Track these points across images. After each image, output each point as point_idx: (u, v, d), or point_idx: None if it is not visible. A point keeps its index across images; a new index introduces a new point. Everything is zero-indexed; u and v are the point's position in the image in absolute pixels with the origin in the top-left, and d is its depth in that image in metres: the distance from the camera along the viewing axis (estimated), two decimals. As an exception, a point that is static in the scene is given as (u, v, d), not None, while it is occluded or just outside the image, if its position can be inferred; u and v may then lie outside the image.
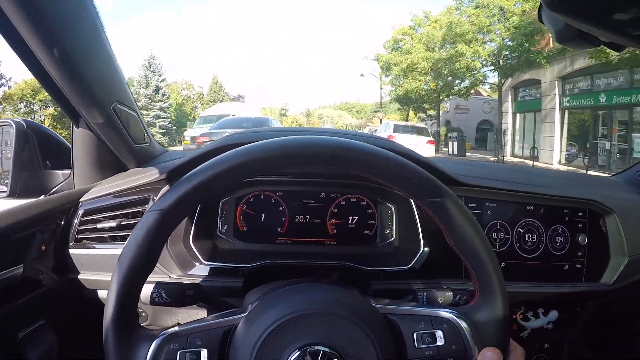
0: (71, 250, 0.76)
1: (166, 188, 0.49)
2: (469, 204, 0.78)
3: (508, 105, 15.76)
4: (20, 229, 0.67)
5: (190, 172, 0.44)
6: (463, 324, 0.45)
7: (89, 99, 0.72)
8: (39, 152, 0.95)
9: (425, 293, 0.55)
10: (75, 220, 0.76)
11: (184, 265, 0.72)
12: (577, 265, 0.83)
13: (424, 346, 0.44)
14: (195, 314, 0.75)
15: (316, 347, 0.41)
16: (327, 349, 0.41)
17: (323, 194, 0.82)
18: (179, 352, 0.42)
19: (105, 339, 0.42)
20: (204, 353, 0.42)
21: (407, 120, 24.14)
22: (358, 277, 0.72)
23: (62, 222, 0.76)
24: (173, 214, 0.43)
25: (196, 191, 0.43)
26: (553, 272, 0.82)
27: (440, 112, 21.10)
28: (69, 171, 0.93)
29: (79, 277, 0.77)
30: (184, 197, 0.43)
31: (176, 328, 0.44)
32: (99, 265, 0.75)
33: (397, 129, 12.37)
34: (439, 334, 0.45)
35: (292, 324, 0.43)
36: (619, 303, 0.95)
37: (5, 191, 0.86)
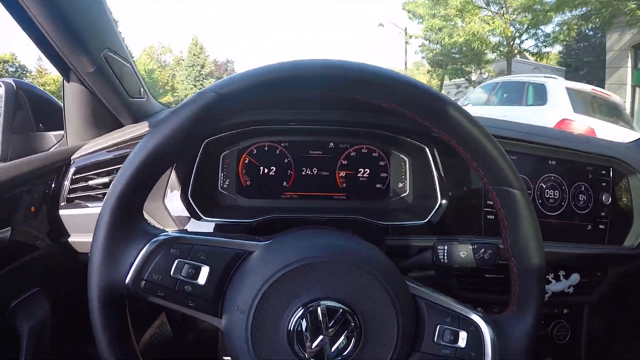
0: (62, 212, 0.72)
1: None
2: None
3: (625, 73, 9.56)
4: (6, 189, 0.63)
5: (252, 70, 0.38)
6: (490, 333, 0.42)
7: (77, 45, 0.67)
8: (31, 114, 0.92)
9: (445, 246, 0.51)
10: (67, 179, 0.73)
11: (182, 223, 0.68)
12: (601, 226, 0.80)
13: (443, 343, 0.41)
14: None
15: (334, 304, 0.37)
16: (348, 312, 0.37)
17: (332, 144, 0.79)
18: (176, 261, 0.38)
19: (98, 224, 0.38)
20: (205, 270, 0.39)
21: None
22: (370, 232, 0.68)
23: (53, 182, 0.73)
24: (226, 103, 0.38)
25: (255, 89, 0.38)
26: (576, 232, 0.78)
27: (485, 75, 14.98)
28: (62, 132, 0.89)
29: (71, 239, 0.73)
30: (243, 89, 0.37)
31: (183, 232, 0.40)
32: (91, 226, 0.71)
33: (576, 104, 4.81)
34: (463, 335, 0.42)
35: (309, 270, 0.38)
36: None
37: (-5, 155, 0.83)
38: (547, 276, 0.79)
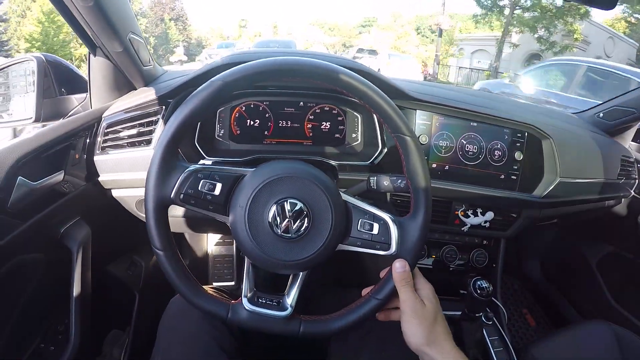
0: (96, 157, 0.90)
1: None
2: (421, 114, 0.96)
3: None
4: (59, 142, 0.82)
5: (249, 63, 0.57)
6: (393, 226, 0.61)
7: (110, 31, 0.85)
8: (55, 81, 1.07)
9: (375, 177, 0.72)
10: (100, 133, 0.90)
11: (191, 160, 0.88)
12: (513, 177, 1.01)
13: (363, 230, 0.61)
14: None
15: (295, 201, 0.58)
16: (302, 204, 0.58)
17: (302, 103, 0.97)
18: (201, 181, 0.58)
19: (153, 159, 0.57)
20: (219, 186, 0.59)
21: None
22: (329, 168, 0.89)
23: (90, 135, 0.91)
24: (231, 88, 0.57)
25: (255, 76, 0.56)
26: (490, 179, 0.99)
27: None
28: (82, 95, 1.06)
29: (101, 179, 0.92)
30: (246, 77, 0.56)
31: (204, 164, 0.60)
32: (118, 168, 0.90)
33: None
34: (376, 226, 0.61)
35: (281, 181, 0.58)
36: (547, 217, 1.14)
37: (32, 117, 0.98)
38: (466, 212, 1.01)
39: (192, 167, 0.59)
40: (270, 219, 0.58)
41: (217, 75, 0.57)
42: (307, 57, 0.59)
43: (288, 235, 0.58)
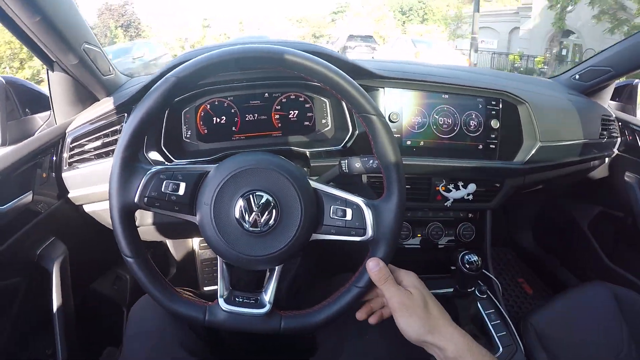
0: (64, 174, 0.88)
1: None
2: (389, 92, 0.94)
3: None
4: (24, 162, 0.80)
5: (205, 55, 0.55)
6: (367, 210, 0.59)
7: (62, 44, 0.82)
8: (18, 102, 1.05)
9: (346, 161, 0.70)
10: (66, 148, 0.88)
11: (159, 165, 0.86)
12: (491, 146, 1.00)
13: (336, 217, 0.59)
14: None
15: (261, 193, 0.56)
16: (269, 196, 0.56)
17: (267, 94, 0.95)
18: (164, 181, 0.57)
19: (113, 165, 0.55)
20: (182, 185, 0.57)
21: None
22: (301, 157, 0.87)
23: (55, 152, 0.89)
24: (184, 83, 0.55)
25: (204, 69, 0.55)
26: (468, 151, 0.98)
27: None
28: (46, 113, 1.04)
29: (73, 195, 0.90)
30: (199, 70, 0.55)
31: (166, 165, 0.59)
32: (88, 182, 0.88)
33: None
34: (349, 211, 0.59)
35: (245, 174, 0.57)
36: (532, 184, 1.13)
37: (-3, 142, 0.96)
38: (448, 186, 0.99)
39: (154, 168, 0.57)
40: (237, 215, 0.56)
41: (171, 72, 0.56)
42: (270, 45, 0.57)
43: (257, 229, 0.56)
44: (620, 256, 1.38)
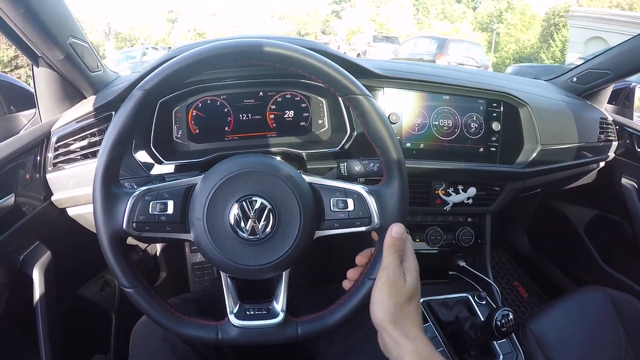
0: (49, 175, 0.84)
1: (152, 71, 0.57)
2: (388, 92, 0.91)
3: None
4: (6, 162, 0.75)
5: (171, 61, 0.52)
6: (369, 197, 0.55)
7: (48, 38, 0.78)
8: (2, 100, 1.01)
9: (345, 163, 0.67)
10: (50, 147, 0.84)
11: (149, 168, 0.82)
12: (492, 149, 0.98)
13: (337, 210, 0.55)
14: None
15: (254, 198, 0.53)
16: (263, 200, 0.53)
17: (261, 93, 0.91)
18: (151, 202, 0.53)
19: (94, 195, 0.52)
20: (170, 203, 0.54)
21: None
22: (297, 159, 0.85)
23: (40, 151, 0.84)
24: (153, 95, 0.52)
25: (172, 76, 0.51)
26: (469, 153, 0.96)
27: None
28: (32, 111, 1.00)
29: (57, 197, 0.86)
30: (165, 79, 0.51)
31: (150, 185, 0.55)
32: (73, 184, 0.84)
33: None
34: (350, 201, 0.55)
35: (234, 180, 0.53)
36: (531, 187, 1.12)
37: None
38: (447, 190, 0.97)
39: (137, 191, 0.54)
40: (232, 224, 0.53)
41: (138, 85, 0.52)
42: (242, 39, 0.53)
43: (256, 237, 0.53)
44: (616, 259, 1.38)
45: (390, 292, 0.51)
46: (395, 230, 0.54)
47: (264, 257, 0.53)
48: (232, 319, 0.56)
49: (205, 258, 0.56)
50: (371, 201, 0.55)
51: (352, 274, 0.60)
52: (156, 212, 0.53)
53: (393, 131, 0.56)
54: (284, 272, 0.57)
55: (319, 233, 0.56)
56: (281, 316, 0.56)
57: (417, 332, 0.51)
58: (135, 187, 0.55)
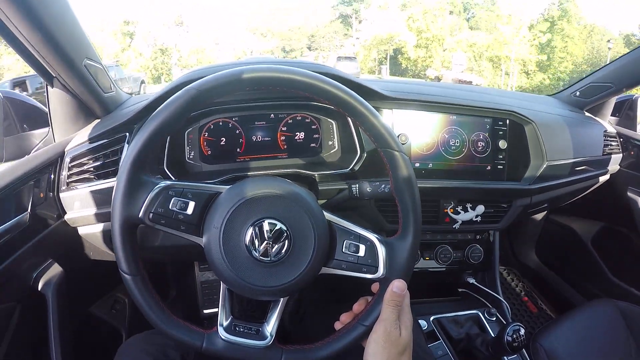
0: (62, 194, 0.85)
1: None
2: (397, 113, 0.93)
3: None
4: (21, 182, 0.77)
5: (227, 71, 0.54)
6: (380, 247, 0.57)
7: (63, 60, 0.80)
8: (16, 118, 1.02)
9: (357, 185, 0.69)
10: (64, 167, 0.85)
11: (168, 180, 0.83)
12: (499, 167, 0.99)
13: (348, 253, 0.57)
14: None
15: (276, 222, 0.54)
16: (282, 225, 0.54)
17: (272, 115, 0.93)
18: (173, 198, 0.54)
19: (119, 177, 0.53)
20: (192, 204, 0.55)
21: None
22: (308, 180, 0.85)
23: (54, 170, 0.86)
24: (204, 97, 0.54)
25: (226, 85, 0.54)
26: (477, 172, 0.97)
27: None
28: (44, 130, 1.01)
29: (70, 216, 0.87)
30: (219, 85, 0.53)
31: (175, 181, 0.56)
32: (86, 203, 0.85)
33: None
34: (362, 247, 0.57)
35: (260, 200, 0.55)
36: (538, 203, 1.13)
37: (-5, 159, 0.93)
38: (456, 208, 0.98)
39: (163, 183, 0.55)
40: (247, 241, 0.53)
41: (192, 84, 0.54)
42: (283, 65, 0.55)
43: (267, 258, 0.54)
44: (625, 271, 1.38)
45: (385, 344, 0.54)
46: (397, 285, 0.56)
47: (269, 280, 0.54)
48: (221, 331, 0.56)
49: (210, 265, 0.56)
50: (382, 252, 0.57)
51: (345, 317, 0.61)
52: (175, 209, 0.54)
53: (418, 191, 0.58)
54: (281, 299, 0.58)
55: (325, 270, 0.57)
56: (268, 339, 0.57)
57: None
58: (161, 179, 0.56)
